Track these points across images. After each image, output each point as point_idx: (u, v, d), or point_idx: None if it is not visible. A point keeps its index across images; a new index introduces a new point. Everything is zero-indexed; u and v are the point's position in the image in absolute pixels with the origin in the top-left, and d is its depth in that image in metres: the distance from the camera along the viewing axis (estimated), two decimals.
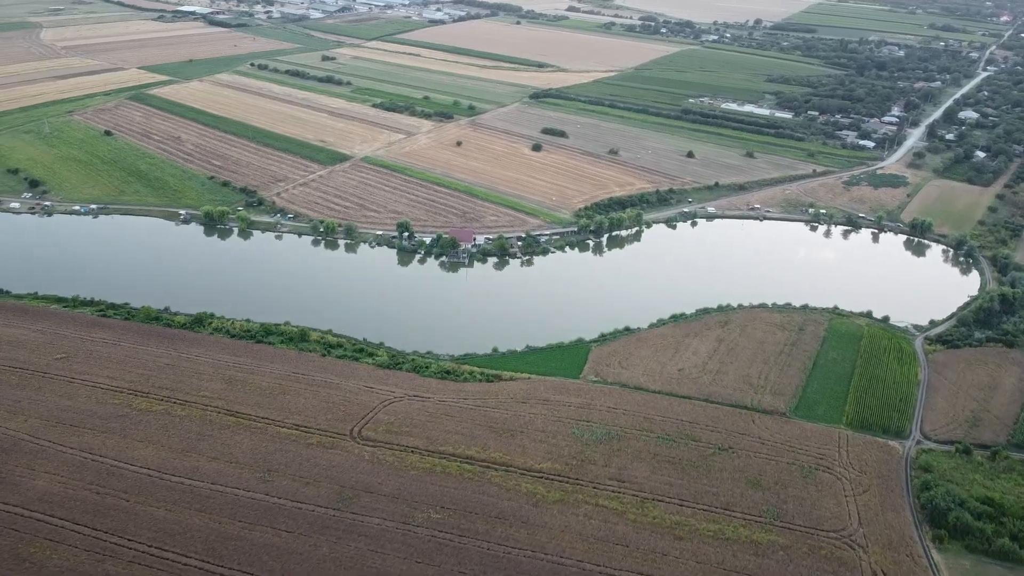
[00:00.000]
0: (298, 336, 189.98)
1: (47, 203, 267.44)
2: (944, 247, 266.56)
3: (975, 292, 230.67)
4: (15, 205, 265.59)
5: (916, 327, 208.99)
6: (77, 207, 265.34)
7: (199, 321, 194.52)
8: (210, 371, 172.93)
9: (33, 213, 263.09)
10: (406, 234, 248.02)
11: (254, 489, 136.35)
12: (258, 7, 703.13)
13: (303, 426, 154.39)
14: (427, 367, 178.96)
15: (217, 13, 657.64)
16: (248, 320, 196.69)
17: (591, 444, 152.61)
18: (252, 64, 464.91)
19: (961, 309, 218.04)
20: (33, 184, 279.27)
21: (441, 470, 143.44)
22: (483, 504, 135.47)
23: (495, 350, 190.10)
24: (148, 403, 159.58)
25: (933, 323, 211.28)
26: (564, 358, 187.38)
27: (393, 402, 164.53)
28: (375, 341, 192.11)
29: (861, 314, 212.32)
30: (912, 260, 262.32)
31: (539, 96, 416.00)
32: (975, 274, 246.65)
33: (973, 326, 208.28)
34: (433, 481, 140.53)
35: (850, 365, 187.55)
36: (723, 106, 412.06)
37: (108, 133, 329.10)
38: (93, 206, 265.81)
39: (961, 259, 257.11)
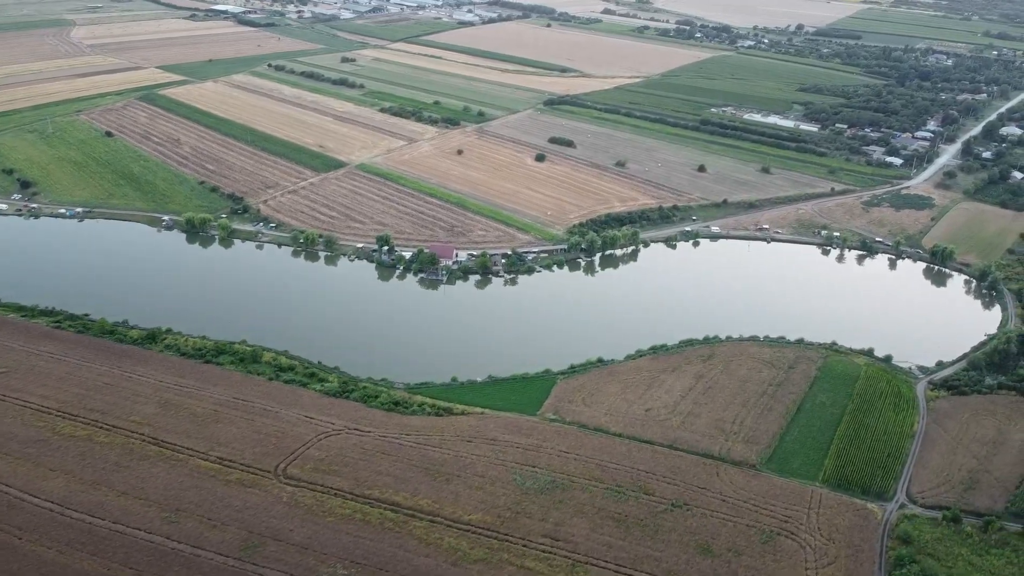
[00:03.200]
0: (249, 357, 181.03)
1: (34, 205, 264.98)
2: (966, 278, 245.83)
3: (993, 331, 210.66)
4: (3, 207, 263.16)
5: (921, 369, 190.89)
6: (63, 210, 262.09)
7: (152, 337, 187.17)
8: (148, 393, 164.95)
9: (20, 215, 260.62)
10: (386, 248, 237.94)
11: (156, 531, 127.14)
12: (290, 7, 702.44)
13: (227, 460, 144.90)
14: (376, 397, 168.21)
15: (249, 12, 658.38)
16: (204, 337, 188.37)
17: (531, 493, 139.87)
18: (269, 65, 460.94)
19: (974, 350, 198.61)
20: (25, 185, 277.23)
21: (361, 517, 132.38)
22: (397, 560, 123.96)
23: (454, 379, 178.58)
24: (73, 427, 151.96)
25: (941, 365, 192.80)
26: (526, 391, 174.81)
27: (330, 435, 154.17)
28: (330, 364, 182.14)
29: (861, 352, 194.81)
30: (928, 291, 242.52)
31: (553, 103, 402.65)
32: (997, 310, 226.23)
33: (985, 370, 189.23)
34: (349, 530, 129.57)
35: (839, 411, 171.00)
36: (745, 116, 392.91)
37: (109, 134, 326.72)
38: (79, 209, 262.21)
39: (984, 292, 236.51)
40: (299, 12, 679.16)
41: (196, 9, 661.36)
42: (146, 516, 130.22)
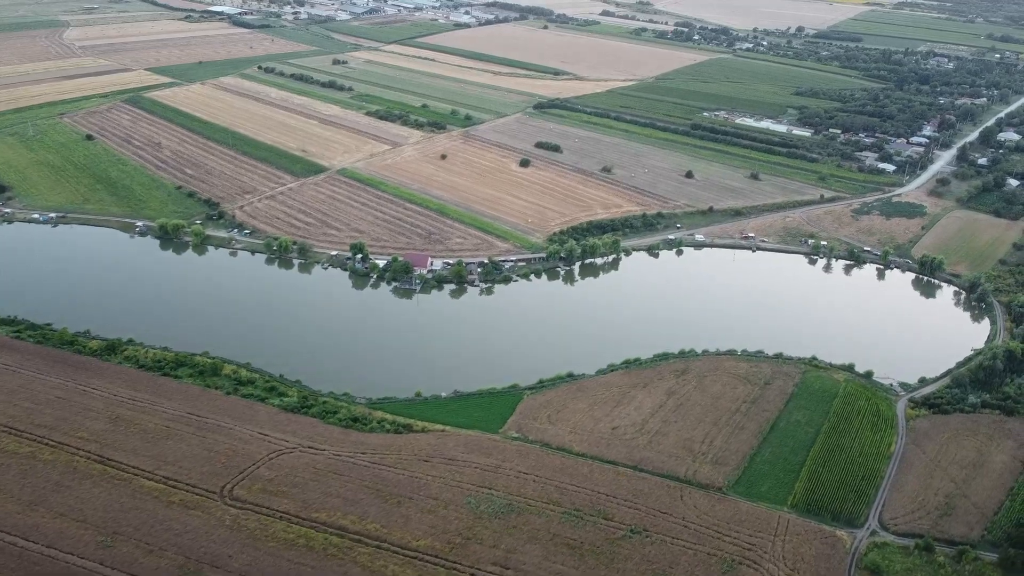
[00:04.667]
0: (209, 370, 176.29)
1: (8, 210, 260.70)
2: (956, 289, 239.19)
3: (980, 345, 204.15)
4: None
5: (903, 385, 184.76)
6: (37, 215, 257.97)
7: (111, 348, 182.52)
8: (100, 407, 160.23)
9: None
10: (359, 256, 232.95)
11: (89, 556, 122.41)
12: (287, 8, 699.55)
13: (172, 479, 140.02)
14: (335, 413, 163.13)
15: (245, 14, 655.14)
16: (166, 348, 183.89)
17: (484, 517, 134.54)
18: (260, 67, 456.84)
19: (959, 366, 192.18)
20: (0, 189, 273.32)
21: (305, 543, 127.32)
22: None
23: (418, 394, 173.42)
24: (17, 444, 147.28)
25: (923, 381, 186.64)
26: (491, 407, 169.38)
27: (283, 454, 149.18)
28: (293, 377, 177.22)
29: (841, 367, 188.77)
30: (916, 303, 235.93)
31: (543, 106, 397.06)
32: (986, 323, 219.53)
33: (969, 387, 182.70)
34: (291, 556, 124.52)
35: (814, 430, 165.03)
36: (737, 121, 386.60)
37: (89, 137, 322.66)
38: (52, 215, 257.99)
39: (973, 304, 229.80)
40: (295, 13, 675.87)
41: (192, 10, 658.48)
42: (81, 540, 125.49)
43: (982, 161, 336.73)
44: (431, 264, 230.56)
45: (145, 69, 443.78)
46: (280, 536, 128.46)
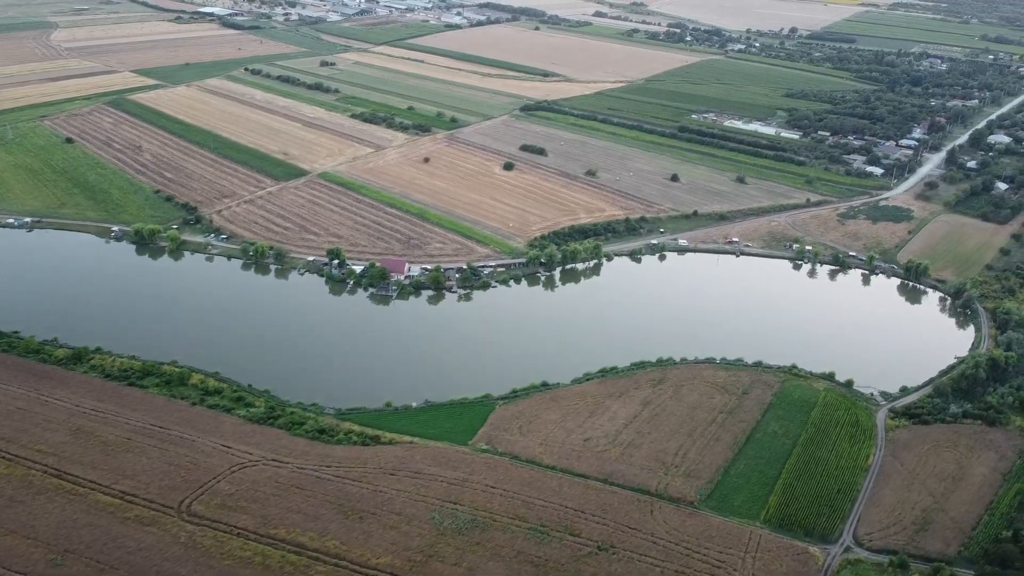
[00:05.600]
0: (177, 379, 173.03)
1: None
2: (941, 295, 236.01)
3: (964, 353, 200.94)
4: None
5: (884, 394, 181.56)
6: (11, 220, 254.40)
7: (78, 357, 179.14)
8: (62, 419, 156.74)
9: None
10: (336, 262, 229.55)
11: (39, 575, 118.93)
12: (278, 9, 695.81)
13: (129, 494, 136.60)
14: (301, 424, 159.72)
15: (235, 15, 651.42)
16: (134, 357, 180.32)
17: (448, 534, 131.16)
18: (246, 69, 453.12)
19: (941, 374, 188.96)
20: None
21: (261, 560, 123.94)
22: None
23: (388, 404, 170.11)
24: None
25: (904, 390, 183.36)
26: (462, 418, 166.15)
27: (245, 467, 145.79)
28: (262, 387, 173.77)
29: (821, 376, 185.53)
30: (900, 310, 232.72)
31: (530, 109, 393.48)
32: (971, 330, 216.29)
33: (951, 396, 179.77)
34: (246, 575, 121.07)
35: (791, 441, 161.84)
36: (726, 123, 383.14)
37: (69, 140, 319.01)
38: (27, 219, 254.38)
39: (958, 310, 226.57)
40: (286, 15, 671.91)
41: (182, 11, 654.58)
42: (31, 558, 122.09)
43: (971, 164, 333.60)
44: (409, 270, 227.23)
45: (131, 71, 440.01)
46: (236, 554, 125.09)
